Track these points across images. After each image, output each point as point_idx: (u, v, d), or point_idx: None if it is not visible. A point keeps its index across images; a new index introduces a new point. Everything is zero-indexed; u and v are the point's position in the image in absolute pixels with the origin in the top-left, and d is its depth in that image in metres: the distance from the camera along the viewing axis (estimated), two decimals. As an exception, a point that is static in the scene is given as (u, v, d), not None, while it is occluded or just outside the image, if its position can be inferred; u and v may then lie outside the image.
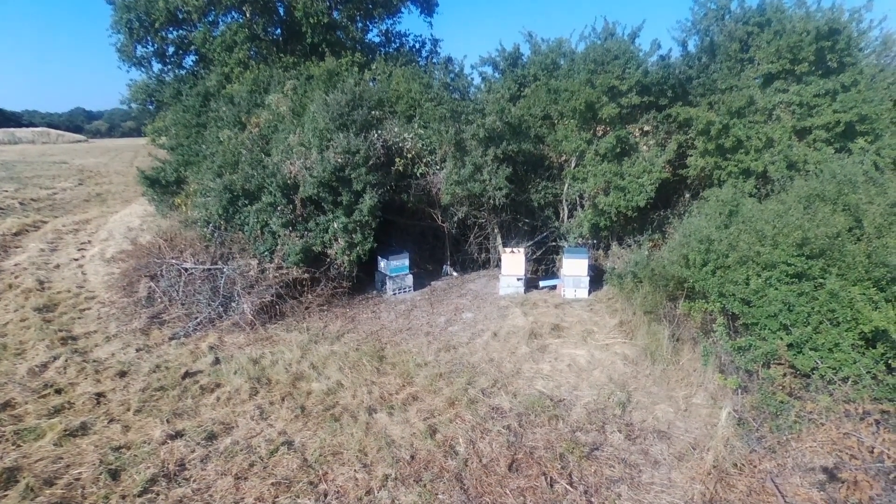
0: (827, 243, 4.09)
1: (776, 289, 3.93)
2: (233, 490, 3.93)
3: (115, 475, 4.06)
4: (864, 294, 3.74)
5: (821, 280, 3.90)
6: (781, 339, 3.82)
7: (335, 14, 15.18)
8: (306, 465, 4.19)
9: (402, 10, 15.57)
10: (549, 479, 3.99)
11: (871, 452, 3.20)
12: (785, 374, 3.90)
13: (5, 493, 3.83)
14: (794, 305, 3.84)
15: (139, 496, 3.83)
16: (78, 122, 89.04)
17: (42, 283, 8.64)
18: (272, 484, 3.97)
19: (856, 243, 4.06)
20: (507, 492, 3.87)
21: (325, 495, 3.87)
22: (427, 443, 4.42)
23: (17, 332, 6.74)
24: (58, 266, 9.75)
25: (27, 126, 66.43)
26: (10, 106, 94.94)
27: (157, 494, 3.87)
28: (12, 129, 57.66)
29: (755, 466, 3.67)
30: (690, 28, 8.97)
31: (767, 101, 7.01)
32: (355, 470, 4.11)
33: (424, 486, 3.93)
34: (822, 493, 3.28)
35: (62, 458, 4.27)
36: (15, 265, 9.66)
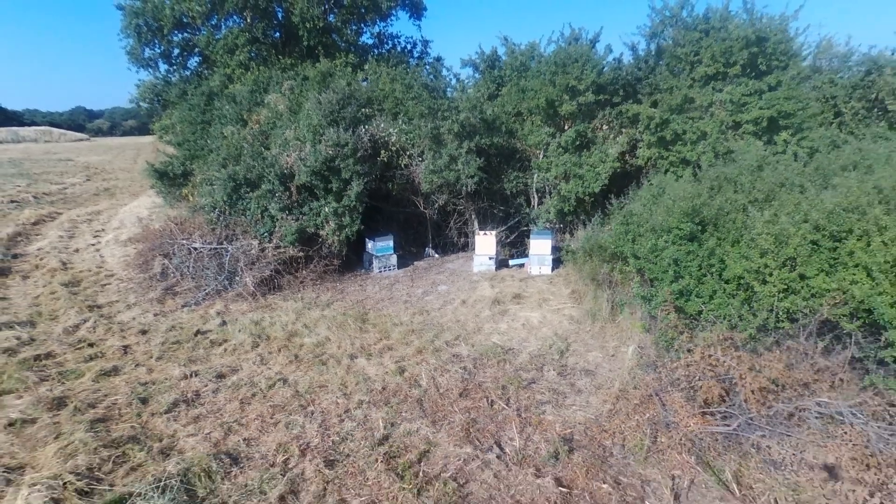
0: (714, 213, 5.10)
1: (668, 248, 4.92)
2: (239, 410, 4.94)
3: (144, 401, 5.07)
4: (738, 252, 4.74)
5: (707, 241, 4.89)
6: (671, 289, 4.82)
7: (330, 17, 16.16)
8: (298, 395, 5.20)
9: (393, 13, 16.59)
10: (490, 401, 5.01)
11: (723, 366, 4.21)
12: (679, 317, 4.91)
13: (58, 412, 4.83)
14: (681, 261, 4.83)
15: (165, 414, 4.84)
16: (79, 121, 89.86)
17: (65, 264, 9.64)
18: (270, 406, 4.98)
19: (738, 213, 5.06)
20: (457, 409, 4.89)
21: (313, 413, 4.88)
22: (396, 378, 5.43)
23: (49, 303, 7.74)
24: (77, 250, 10.75)
25: (29, 125, 67.44)
26: (11, 105, 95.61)
27: (179, 413, 4.88)
28: (15, 128, 58.69)
29: (648, 386, 4.67)
30: (649, 33, 9.94)
31: (704, 99, 8.00)
32: (337, 397, 5.12)
33: (391, 407, 4.94)
34: (687, 399, 4.29)
35: (100, 390, 5.27)
36: (38, 249, 10.66)
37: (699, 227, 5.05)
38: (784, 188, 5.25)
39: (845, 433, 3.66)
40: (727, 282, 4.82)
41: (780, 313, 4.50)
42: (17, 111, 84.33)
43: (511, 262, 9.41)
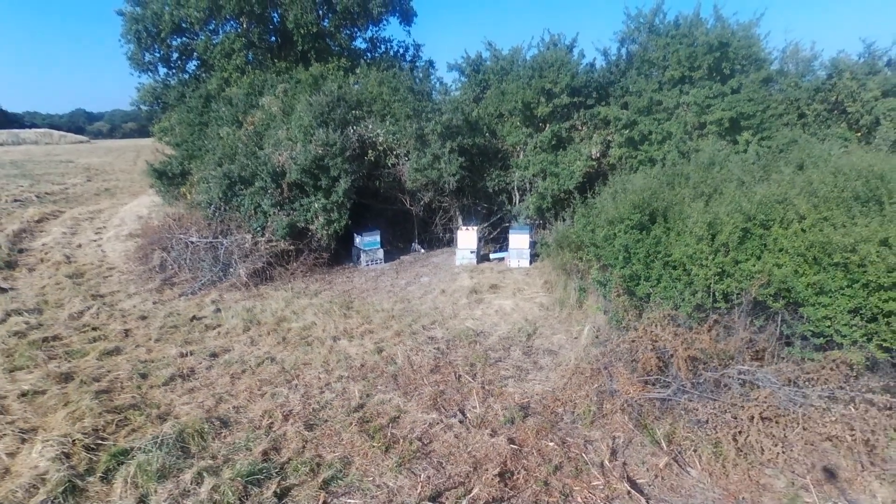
0: (665, 206, 5.61)
1: (619, 237, 5.42)
2: (229, 384, 5.43)
3: (143, 376, 5.56)
4: (681, 240, 5.24)
5: (654, 230, 5.39)
6: (621, 273, 5.32)
7: (325, 23, 16.69)
8: (284, 371, 5.70)
9: (384, 19, 17.14)
10: (458, 376, 5.51)
11: (663, 341, 4.70)
12: (630, 299, 5.41)
13: (66, 384, 5.32)
14: (631, 248, 5.33)
15: (162, 386, 5.34)
16: (79, 123, 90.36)
17: (68, 258, 10.14)
18: (258, 380, 5.48)
19: (684, 205, 5.56)
20: (427, 383, 5.39)
21: (296, 386, 5.37)
22: (374, 357, 5.93)
23: (55, 292, 8.23)
24: (80, 245, 11.25)
25: (29, 127, 67.96)
26: (11, 107, 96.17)
27: (176, 386, 5.37)
28: (15, 131, 59.20)
29: (597, 361, 5.17)
30: (624, 38, 10.48)
31: (670, 102, 8.51)
32: (319, 373, 5.62)
33: (368, 381, 5.45)
34: (631, 370, 4.78)
35: (103, 367, 5.76)
36: (43, 245, 11.16)
37: (649, 218, 5.56)
38: (729, 183, 5.75)
39: (760, 396, 4.16)
40: (674, 267, 5.32)
41: (718, 294, 5.00)
42: (16, 113, 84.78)
43: (492, 256, 9.92)
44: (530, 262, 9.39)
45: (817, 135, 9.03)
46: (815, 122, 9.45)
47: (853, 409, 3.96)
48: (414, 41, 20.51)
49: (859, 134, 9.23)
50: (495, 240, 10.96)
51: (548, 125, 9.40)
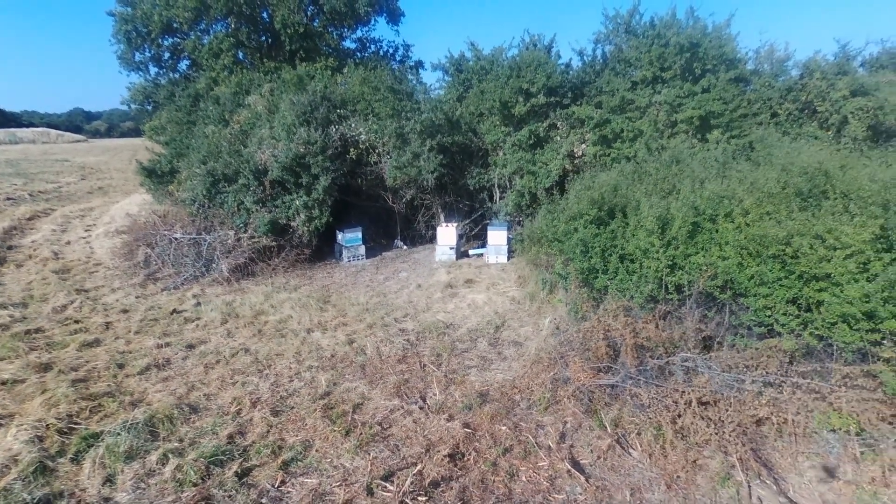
0: (624, 202, 5.82)
1: (578, 231, 5.63)
2: (203, 374, 5.64)
3: (120, 366, 5.77)
4: (635, 234, 5.45)
5: (612, 225, 5.61)
6: (579, 266, 5.53)
7: (314, 23, 16.88)
8: (257, 361, 5.90)
9: (372, 19, 17.34)
10: (423, 365, 5.72)
11: (615, 331, 4.92)
12: (590, 291, 5.62)
13: (45, 374, 5.52)
14: (588, 242, 5.54)
15: (138, 375, 5.54)
16: (77, 123, 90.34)
17: (56, 254, 10.33)
18: (231, 370, 5.69)
19: (643, 202, 5.77)
20: (393, 372, 5.60)
21: (267, 375, 5.58)
22: (345, 348, 6.14)
23: (40, 287, 8.42)
24: (68, 242, 11.45)
25: (27, 126, 68.02)
26: (9, 106, 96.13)
27: (151, 375, 5.58)
28: (13, 130, 59.32)
29: (555, 350, 5.39)
30: (600, 39, 10.68)
31: (642, 101, 8.72)
32: (291, 363, 5.83)
33: (337, 370, 5.66)
34: (584, 359, 5.00)
35: (82, 357, 5.96)
36: (32, 241, 11.36)
37: (608, 214, 5.77)
38: (686, 179, 5.96)
39: (700, 382, 4.38)
40: (631, 261, 5.53)
41: (670, 286, 5.21)
42: (14, 112, 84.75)
43: (471, 252, 10.12)
44: (508, 258, 9.60)
45: (789, 133, 9.24)
46: (787, 121, 9.67)
47: (784, 393, 4.17)
48: (403, 42, 20.79)
49: (829, 132, 9.44)
50: (477, 236, 11.17)
51: (526, 125, 9.59)
